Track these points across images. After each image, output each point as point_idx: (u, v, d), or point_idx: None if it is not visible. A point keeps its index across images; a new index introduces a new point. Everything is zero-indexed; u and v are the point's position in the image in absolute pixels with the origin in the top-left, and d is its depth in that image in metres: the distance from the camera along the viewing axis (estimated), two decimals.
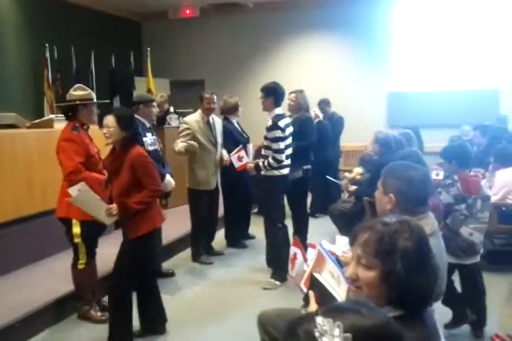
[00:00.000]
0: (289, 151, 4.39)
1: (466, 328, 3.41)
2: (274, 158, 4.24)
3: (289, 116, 5.29)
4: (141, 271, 3.29)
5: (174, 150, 4.75)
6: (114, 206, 3.07)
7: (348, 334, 0.91)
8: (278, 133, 4.23)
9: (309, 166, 5.12)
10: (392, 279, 1.29)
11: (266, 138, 4.31)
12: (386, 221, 1.38)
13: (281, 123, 4.27)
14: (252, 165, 4.48)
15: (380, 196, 2.08)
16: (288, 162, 4.39)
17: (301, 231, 4.81)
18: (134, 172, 3.05)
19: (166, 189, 4.23)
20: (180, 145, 4.71)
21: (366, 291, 1.34)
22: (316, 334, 0.91)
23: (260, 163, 4.33)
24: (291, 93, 5.09)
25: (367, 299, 1.31)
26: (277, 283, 4.33)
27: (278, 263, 4.32)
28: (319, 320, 0.94)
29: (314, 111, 6.71)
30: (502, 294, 4.08)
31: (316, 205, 6.81)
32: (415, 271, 1.30)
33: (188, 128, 4.79)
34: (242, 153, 4.82)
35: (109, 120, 3.04)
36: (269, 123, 4.27)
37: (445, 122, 8.16)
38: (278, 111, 4.35)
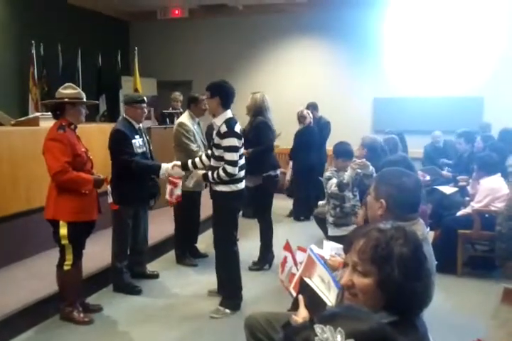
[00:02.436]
0: (242, 162, 3.72)
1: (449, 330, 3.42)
2: (225, 171, 3.52)
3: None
4: None
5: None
6: None
7: (351, 340, 0.91)
8: (234, 142, 3.54)
9: (271, 173, 4.81)
10: (389, 286, 1.30)
11: (218, 146, 3.58)
12: (381, 227, 1.38)
13: (237, 129, 3.63)
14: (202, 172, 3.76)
15: (371, 201, 2.09)
16: (242, 174, 3.72)
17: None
18: None
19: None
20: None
21: (362, 298, 1.34)
22: None
23: (209, 174, 3.62)
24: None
25: (362, 306, 1.32)
26: (227, 311, 3.74)
27: (230, 289, 3.86)
28: (318, 328, 0.93)
29: (308, 113, 6.73)
30: (484, 300, 4.11)
31: (298, 209, 6.83)
32: (412, 276, 1.30)
33: (191, 131, 4.73)
34: None
35: None
36: (223, 128, 3.53)
37: (429, 128, 8.21)
38: (229, 114, 3.64)
